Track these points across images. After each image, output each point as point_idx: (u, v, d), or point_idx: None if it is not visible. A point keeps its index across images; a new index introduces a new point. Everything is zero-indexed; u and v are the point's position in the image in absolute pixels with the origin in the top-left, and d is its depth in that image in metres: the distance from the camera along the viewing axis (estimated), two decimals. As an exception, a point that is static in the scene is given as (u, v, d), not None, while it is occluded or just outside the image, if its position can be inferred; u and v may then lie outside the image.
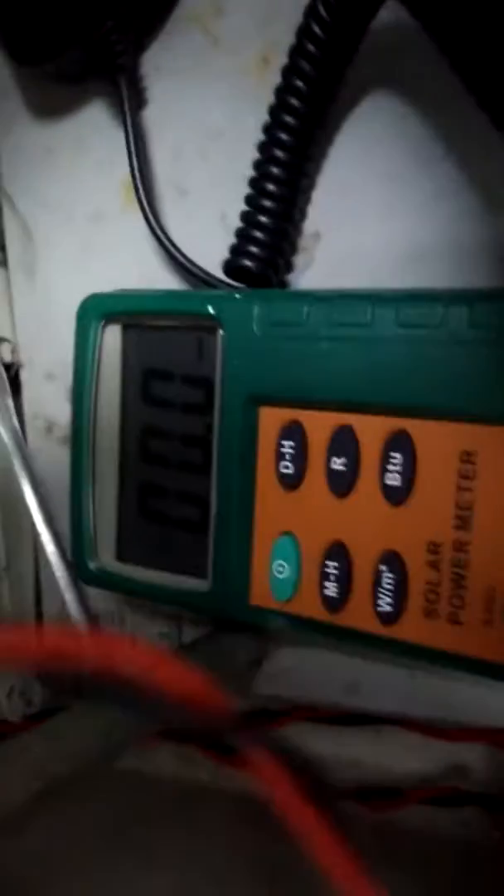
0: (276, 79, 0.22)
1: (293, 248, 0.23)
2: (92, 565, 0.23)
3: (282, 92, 0.21)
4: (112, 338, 0.23)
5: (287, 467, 0.20)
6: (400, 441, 0.18)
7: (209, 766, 0.31)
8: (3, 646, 0.10)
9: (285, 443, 0.20)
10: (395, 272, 0.22)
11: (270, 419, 0.20)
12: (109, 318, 0.23)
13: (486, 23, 0.15)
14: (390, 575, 0.18)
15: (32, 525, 0.31)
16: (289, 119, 0.21)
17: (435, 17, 0.16)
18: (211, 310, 0.20)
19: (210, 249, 0.24)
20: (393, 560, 0.18)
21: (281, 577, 0.20)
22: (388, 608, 0.18)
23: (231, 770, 0.31)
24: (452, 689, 0.22)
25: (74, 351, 0.23)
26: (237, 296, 0.20)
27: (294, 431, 0.20)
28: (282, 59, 0.22)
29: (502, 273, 0.20)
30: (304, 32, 0.20)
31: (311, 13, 0.20)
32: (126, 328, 0.23)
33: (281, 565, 0.20)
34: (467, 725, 0.23)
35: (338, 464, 0.19)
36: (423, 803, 0.28)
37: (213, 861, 0.28)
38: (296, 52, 0.21)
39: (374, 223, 0.22)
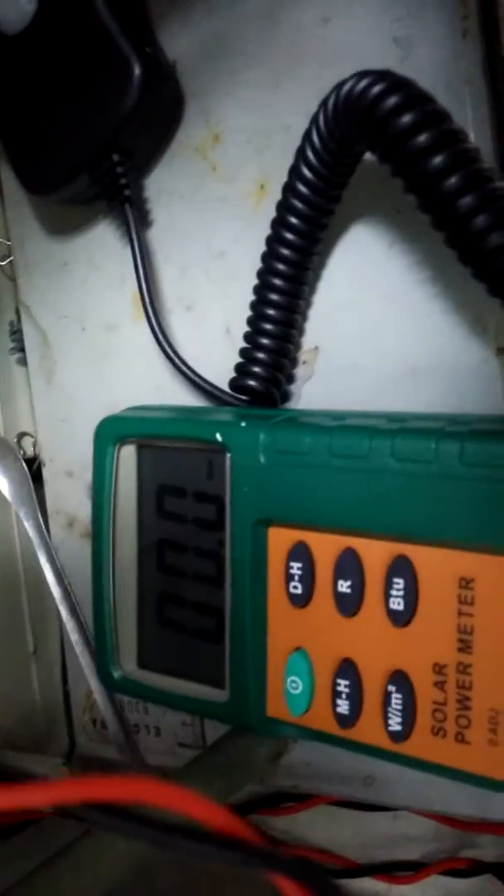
0: (272, 203, 0.23)
1: (293, 363, 0.25)
2: (115, 673, 0.25)
3: (277, 224, 0.23)
4: (127, 457, 0.24)
5: (296, 587, 0.21)
6: (401, 566, 0.19)
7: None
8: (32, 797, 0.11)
9: (293, 563, 0.21)
10: (389, 386, 0.23)
11: (279, 539, 0.21)
12: (124, 440, 0.24)
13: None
14: (399, 695, 0.19)
15: (58, 613, 0.33)
16: (284, 250, 0.23)
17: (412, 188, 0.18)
18: (219, 437, 0.22)
19: (217, 359, 0.26)
20: (401, 680, 0.19)
21: (295, 692, 0.21)
22: (397, 727, 0.19)
23: None
24: (461, 787, 0.22)
25: (93, 468, 0.25)
26: (243, 423, 0.22)
27: (301, 553, 0.21)
28: (277, 186, 0.23)
29: (486, 393, 0.21)
30: (295, 172, 0.22)
31: (301, 156, 0.21)
32: (140, 448, 0.24)
33: (294, 681, 0.21)
34: (473, 818, 0.24)
35: (344, 586, 0.20)
36: (442, 874, 0.28)
37: None
38: (288, 189, 0.22)
39: (368, 339, 0.23)
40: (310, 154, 0.21)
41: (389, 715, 0.19)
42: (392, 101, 0.17)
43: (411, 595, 0.19)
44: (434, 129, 0.17)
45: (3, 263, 0.32)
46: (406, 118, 0.17)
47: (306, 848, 0.30)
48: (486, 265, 0.17)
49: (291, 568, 0.21)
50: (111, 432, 0.24)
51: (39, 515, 0.32)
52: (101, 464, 0.24)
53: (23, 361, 0.33)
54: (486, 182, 0.17)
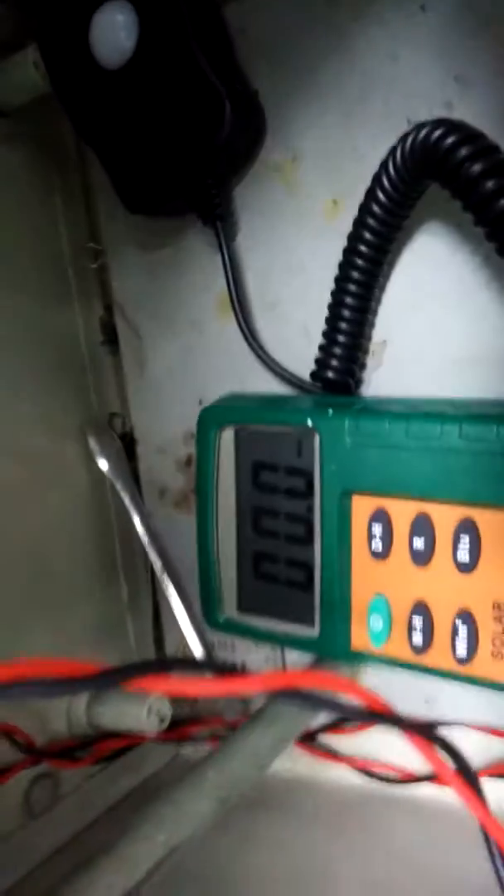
0: (345, 220, 0.27)
1: (365, 355, 0.29)
2: (220, 616, 0.30)
3: (353, 239, 0.27)
4: (227, 439, 0.29)
5: (377, 545, 0.26)
6: (468, 526, 0.24)
7: (305, 760, 0.38)
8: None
9: (375, 525, 0.26)
10: (449, 375, 0.27)
11: (362, 506, 0.26)
12: (224, 425, 0.28)
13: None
14: (465, 627, 0.24)
15: (150, 569, 0.38)
16: (359, 261, 0.27)
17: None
18: (310, 423, 0.26)
19: (295, 354, 0.30)
20: (466, 616, 0.24)
21: (376, 628, 0.26)
22: (463, 653, 0.24)
23: (324, 763, 0.37)
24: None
25: (197, 448, 0.29)
26: (330, 411, 0.26)
27: (381, 517, 0.25)
28: (349, 201, 0.27)
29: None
30: (371, 196, 0.26)
31: (377, 182, 0.25)
32: (238, 432, 0.29)
33: (376, 619, 0.26)
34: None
35: (418, 542, 0.25)
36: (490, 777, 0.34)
37: (314, 839, 0.34)
38: (364, 209, 0.26)
39: (430, 334, 0.28)
40: (385, 182, 0.25)
41: (456, 643, 0.24)
42: (464, 151, 0.21)
43: (475, 548, 0.24)
44: (499, 177, 0.21)
45: (94, 265, 0.37)
46: (476, 167, 0.21)
47: (367, 761, 0.36)
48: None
49: (373, 528, 0.26)
50: (213, 418, 0.29)
51: (134, 486, 0.37)
52: (205, 445, 0.29)
53: (110, 352, 0.37)
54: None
